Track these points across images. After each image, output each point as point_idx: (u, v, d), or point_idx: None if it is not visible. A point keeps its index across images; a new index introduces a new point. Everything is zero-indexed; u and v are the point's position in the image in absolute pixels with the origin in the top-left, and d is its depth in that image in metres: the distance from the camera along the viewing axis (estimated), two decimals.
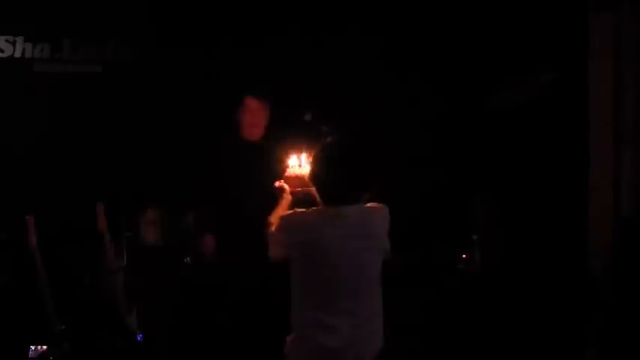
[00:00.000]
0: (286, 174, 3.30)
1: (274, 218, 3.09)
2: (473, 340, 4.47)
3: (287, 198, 3.25)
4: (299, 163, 3.31)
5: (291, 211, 3.01)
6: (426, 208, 5.09)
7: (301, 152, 3.32)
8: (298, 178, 3.26)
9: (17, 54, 5.18)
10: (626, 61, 4.58)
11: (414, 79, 5.24)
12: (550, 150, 4.82)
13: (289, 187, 3.27)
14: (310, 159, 3.10)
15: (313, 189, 3.05)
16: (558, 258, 4.66)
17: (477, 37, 5.15)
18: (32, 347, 4.20)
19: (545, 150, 4.84)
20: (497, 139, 5.08)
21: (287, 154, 3.33)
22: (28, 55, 5.20)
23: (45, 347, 4.18)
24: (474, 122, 5.18)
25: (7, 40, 5.16)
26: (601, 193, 4.58)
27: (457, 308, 4.57)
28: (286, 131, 4.10)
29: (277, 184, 3.28)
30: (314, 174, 3.00)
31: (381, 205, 3.02)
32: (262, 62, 5.24)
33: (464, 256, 4.74)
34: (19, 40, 5.18)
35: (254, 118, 4.49)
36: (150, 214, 4.74)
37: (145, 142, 5.11)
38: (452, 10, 5.21)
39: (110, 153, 5.10)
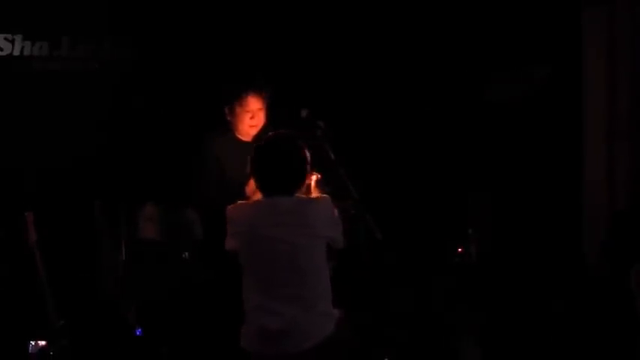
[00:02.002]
0: None
1: None
2: (469, 334, 4.48)
3: None
4: None
5: (235, 203, 3.20)
6: (421, 202, 5.10)
7: None
8: None
9: (16, 52, 5.17)
10: (620, 55, 4.60)
11: (408, 74, 5.25)
12: (545, 144, 4.82)
13: None
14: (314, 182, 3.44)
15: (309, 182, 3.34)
16: (553, 252, 4.67)
17: (471, 31, 5.15)
18: (32, 342, 4.21)
19: (539, 144, 4.84)
20: (492, 134, 5.08)
21: None
22: (26, 53, 5.19)
23: (44, 342, 4.19)
24: (468, 117, 5.18)
25: (5, 39, 5.16)
26: (595, 188, 4.59)
27: (452, 303, 4.58)
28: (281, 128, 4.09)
29: None
30: (252, 169, 3.18)
31: (320, 196, 3.28)
32: (262, 61, 5.24)
33: (459, 250, 4.74)
34: (18, 38, 5.17)
35: (255, 119, 4.25)
36: (148, 209, 4.74)
37: (144, 139, 5.12)
38: (446, 4, 5.22)
39: (109, 150, 5.11)
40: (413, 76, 5.27)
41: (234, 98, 4.25)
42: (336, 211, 3.20)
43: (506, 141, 4.99)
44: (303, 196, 3.23)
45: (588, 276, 4.50)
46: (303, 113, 4.01)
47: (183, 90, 5.24)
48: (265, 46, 5.29)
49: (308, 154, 3.20)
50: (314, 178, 3.62)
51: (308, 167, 3.21)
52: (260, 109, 4.27)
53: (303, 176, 3.19)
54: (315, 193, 3.53)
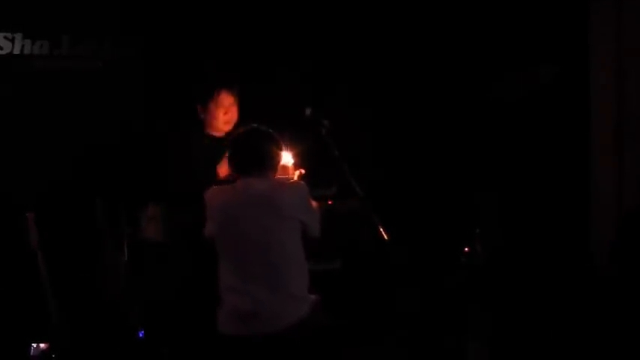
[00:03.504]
0: None
1: None
2: (476, 334, 4.46)
3: None
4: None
5: (212, 187, 3.36)
6: (428, 201, 5.08)
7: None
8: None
9: (16, 50, 5.14)
10: (627, 52, 4.57)
11: (415, 73, 5.23)
12: (552, 143, 4.80)
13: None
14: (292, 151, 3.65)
15: (289, 176, 3.55)
16: (561, 252, 4.65)
17: (478, 30, 5.14)
18: (34, 345, 4.19)
19: (547, 143, 4.82)
20: (499, 132, 5.07)
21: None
22: (27, 51, 5.16)
23: (46, 344, 4.17)
24: (476, 115, 5.17)
25: (5, 37, 5.13)
26: (603, 187, 4.57)
27: (460, 302, 4.56)
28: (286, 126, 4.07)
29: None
30: (228, 155, 3.38)
31: (296, 181, 3.42)
32: (263, 60, 5.22)
33: (466, 249, 4.72)
34: (18, 36, 5.14)
35: (228, 115, 4.27)
36: (151, 210, 4.72)
37: (145, 138, 5.09)
38: (452, 4, 5.20)
39: (110, 149, 5.08)
40: (420, 76, 5.25)
41: (208, 96, 4.28)
42: (311, 199, 3.31)
43: (513, 140, 4.98)
44: (284, 179, 3.40)
45: (596, 276, 4.47)
46: (308, 112, 4.00)
47: (184, 90, 5.21)
48: (268, 45, 5.26)
49: (281, 142, 3.39)
50: (297, 173, 3.73)
51: (280, 152, 3.38)
52: (232, 104, 4.31)
53: (275, 157, 3.33)
54: None
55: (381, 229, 3.79)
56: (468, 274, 4.62)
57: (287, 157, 3.68)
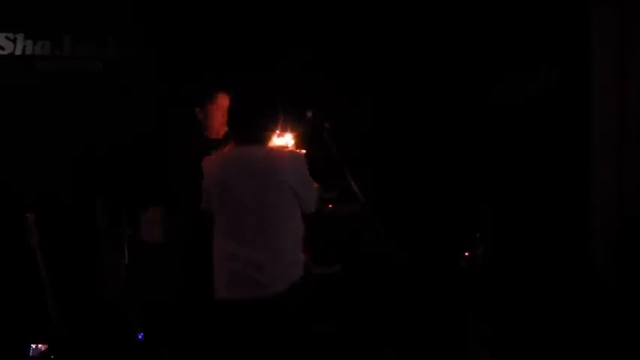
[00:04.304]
0: None
1: None
2: (477, 338, 4.45)
3: None
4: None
5: (208, 156, 3.34)
6: (429, 205, 5.07)
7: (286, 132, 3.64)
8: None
9: (18, 51, 5.14)
10: (629, 54, 4.55)
11: (416, 77, 5.22)
12: (553, 146, 4.79)
13: None
14: (284, 133, 3.58)
15: None
16: (562, 256, 4.64)
17: (479, 32, 5.13)
18: (33, 346, 4.18)
19: (548, 146, 4.81)
20: (499, 136, 5.06)
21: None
22: (28, 52, 5.15)
23: (45, 346, 4.16)
24: (477, 118, 5.16)
25: (7, 38, 5.13)
26: (604, 190, 4.56)
27: (460, 306, 4.55)
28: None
29: None
30: (228, 118, 3.36)
31: (293, 150, 3.39)
32: (264, 59, 5.21)
33: (466, 254, 4.71)
34: (20, 37, 5.14)
35: (225, 116, 4.37)
36: (151, 212, 4.71)
37: (147, 140, 5.08)
38: (454, 6, 5.19)
39: (111, 150, 5.07)
40: (422, 79, 5.25)
41: (207, 97, 4.28)
42: (307, 173, 3.28)
43: (514, 144, 4.97)
44: (284, 148, 3.38)
45: (597, 280, 4.46)
46: (309, 114, 3.98)
47: (185, 90, 5.20)
48: (271, 47, 5.26)
49: (280, 110, 3.35)
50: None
51: (278, 120, 3.35)
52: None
53: (272, 124, 3.32)
54: None
55: (382, 233, 3.79)
56: (468, 279, 4.61)
57: (287, 139, 3.67)
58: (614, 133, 4.55)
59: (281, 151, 3.32)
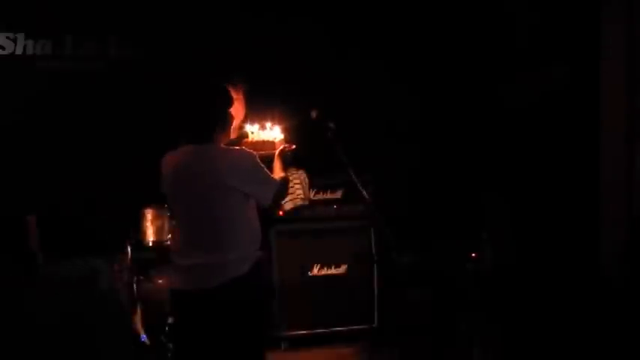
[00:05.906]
0: (245, 140, 3.55)
1: None
2: (483, 339, 4.42)
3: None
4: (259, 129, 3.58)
5: (166, 155, 3.33)
6: (436, 205, 5.05)
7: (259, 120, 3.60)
8: (256, 143, 3.53)
9: (18, 51, 5.13)
10: (639, 55, 4.53)
11: (424, 76, 5.22)
12: (562, 145, 4.78)
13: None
14: (273, 126, 3.55)
15: (274, 152, 3.46)
16: (570, 256, 4.62)
17: (488, 33, 5.13)
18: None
19: (557, 146, 4.80)
20: (508, 136, 5.05)
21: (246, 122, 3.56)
22: (29, 52, 5.15)
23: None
24: (487, 118, 5.14)
25: (8, 37, 5.11)
26: (613, 190, 4.53)
27: (467, 307, 4.53)
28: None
29: None
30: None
31: (240, 149, 3.26)
32: (266, 59, 5.17)
33: (473, 255, 4.68)
34: (20, 37, 5.13)
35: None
36: (152, 212, 4.69)
37: (148, 140, 5.04)
38: (463, 7, 5.17)
39: (112, 150, 5.04)
40: (431, 77, 5.26)
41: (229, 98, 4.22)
42: (259, 167, 3.23)
43: (522, 144, 4.95)
44: (230, 147, 3.29)
45: (605, 281, 4.43)
46: (313, 114, 3.94)
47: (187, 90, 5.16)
48: (273, 48, 5.23)
49: (230, 99, 3.29)
50: (281, 147, 3.57)
51: (229, 109, 3.29)
52: (236, 99, 4.26)
53: (220, 119, 3.27)
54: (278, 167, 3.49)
55: (387, 232, 3.75)
56: (475, 279, 4.60)
57: (275, 132, 3.60)
58: (623, 132, 4.53)
59: (226, 150, 3.25)
